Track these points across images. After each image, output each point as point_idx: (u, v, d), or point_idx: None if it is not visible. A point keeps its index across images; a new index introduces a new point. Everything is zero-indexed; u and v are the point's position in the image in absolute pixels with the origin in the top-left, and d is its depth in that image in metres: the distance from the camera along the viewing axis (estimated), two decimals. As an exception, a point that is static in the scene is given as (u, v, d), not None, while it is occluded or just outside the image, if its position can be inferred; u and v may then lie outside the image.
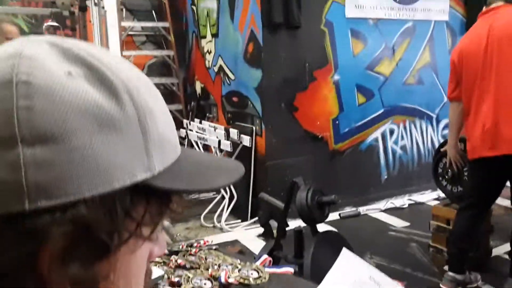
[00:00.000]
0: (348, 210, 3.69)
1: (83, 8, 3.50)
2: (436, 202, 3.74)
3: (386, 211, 3.76)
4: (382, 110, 3.90)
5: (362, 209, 3.74)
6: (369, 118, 3.85)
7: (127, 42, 4.71)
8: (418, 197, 3.97)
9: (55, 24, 4.15)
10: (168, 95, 5.07)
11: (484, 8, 2.22)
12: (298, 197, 1.81)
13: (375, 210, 3.77)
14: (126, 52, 4.55)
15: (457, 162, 2.42)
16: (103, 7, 3.26)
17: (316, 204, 1.82)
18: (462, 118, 2.27)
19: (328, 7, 3.51)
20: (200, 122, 4.22)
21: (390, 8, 3.76)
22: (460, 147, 2.40)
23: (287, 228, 2.18)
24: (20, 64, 0.30)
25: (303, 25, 3.35)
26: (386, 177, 4.01)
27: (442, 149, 2.61)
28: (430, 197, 3.94)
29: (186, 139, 4.47)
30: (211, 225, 3.51)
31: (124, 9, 4.59)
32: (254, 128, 3.55)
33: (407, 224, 3.43)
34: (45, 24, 4.78)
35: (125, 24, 4.54)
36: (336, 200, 1.83)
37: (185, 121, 4.49)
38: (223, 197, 3.73)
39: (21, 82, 0.30)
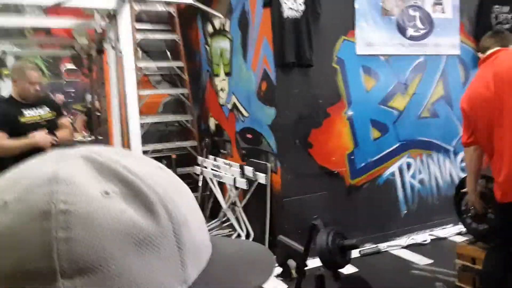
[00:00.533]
0: (368, 247, 3.59)
1: (101, 51, 3.63)
2: (459, 237, 3.64)
3: (408, 247, 3.65)
4: (397, 144, 3.87)
5: (383, 246, 3.64)
6: (385, 153, 3.82)
7: (143, 81, 4.83)
8: (440, 232, 3.86)
9: (73, 67, 4.31)
10: (183, 132, 5.13)
11: (480, 55, 2.22)
12: (319, 241, 1.77)
13: (396, 247, 3.67)
14: (142, 92, 4.66)
15: (479, 207, 2.36)
16: (120, 51, 3.36)
17: (338, 248, 1.77)
18: (480, 162, 2.23)
19: (339, 45, 3.57)
20: (215, 159, 4.23)
21: (400, 44, 3.80)
22: (482, 184, 2.34)
23: (306, 268, 2.13)
24: (58, 192, 0.30)
25: (315, 63, 3.40)
26: (405, 212, 3.92)
27: (462, 190, 2.55)
28: (452, 231, 3.83)
29: (201, 176, 4.48)
30: (228, 265, 3.44)
31: (140, 50, 4.74)
32: (269, 165, 3.54)
33: (430, 261, 3.31)
34: (64, 69, 4.97)
35: (141, 64, 4.67)
36: (359, 244, 1.78)
37: (199, 158, 4.51)
38: (239, 235, 3.68)
39: (60, 212, 0.29)
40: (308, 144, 3.50)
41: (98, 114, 5.04)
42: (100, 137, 4.95)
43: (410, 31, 3.85)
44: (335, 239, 1.76)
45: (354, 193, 3.70)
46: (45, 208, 0.29)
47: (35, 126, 2.75)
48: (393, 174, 3.87)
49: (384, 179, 3.84)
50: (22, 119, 2.73)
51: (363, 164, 3.73)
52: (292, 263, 2.83)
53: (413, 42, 3.86)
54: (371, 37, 3.69)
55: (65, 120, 3.08)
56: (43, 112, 2.85)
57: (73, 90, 6.77)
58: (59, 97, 8.12)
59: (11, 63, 8.15)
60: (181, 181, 0.38)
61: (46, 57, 6.82)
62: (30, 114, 2.77)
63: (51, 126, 2.84)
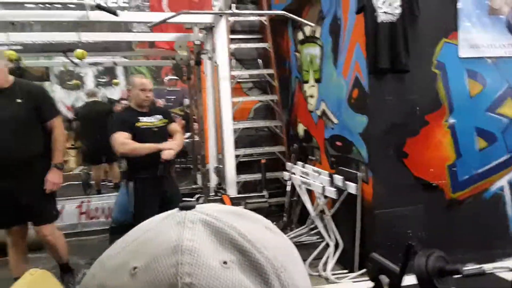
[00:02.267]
0: (471, 267, 3.29)
1: (198, 62, 3.85)
2: None
3: (517, 271, 3.27)
4: (507, 155, 3.48)
5: (487, 267, 3.29)
6: (492, 164, 3.46)
7: (236, 88, 5.02)
8: (557, 256, 3.38)
9: (174, 77, 4.69)
10: (272, 137, 5.23)
11: None
12: (417, 263, 1.66)
13: (504, 269, 3.28)
14: (235, 99, 4.85)
15: None
16: (215, 62, 3.54)
17: (438, 272, 1.65)
18: None
19: (440, 49, 3.32)
20: (303, 166, 4.23)
21: (510, 45, 3.42)
22: None
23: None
24: (183, 263, 0.32)
25: (412, 68, 3.21)
26: (515, 230, 3.51)
27: None
28: None
29: (289, 182, 4.51)
30: (316, 273, 3.41)
31: (233, 59, 4.94)
32: (359, 174, 3.44)
33: (545, 289, 2.92)
34: (166, 78, 5.44)
35: (234, 73, 4.87)
36: (462, 270, 1.64)
37: (288, 164, 4.55)
38: (327, 244, 3.63)
39: (185, 285, 0.31)
40: (403, 153, 3.32)
41: (195, 117, 5.36)
42: (197, 139, 5.25)
43: (524, 30, 3.44)
44: (436, 263, 1.63)
45: (456, 208, 3.42)
46: (171, 281, 0.31)
47: (148, 130, 3.13)
48: (501, 188, 3.49)
49: (491, 194, 3.48)
50: (137, 124, 3.10)
51: (466, 177, 3.42)
52: (384, 279, 2.71)
53: (526, 43, 3.45)
54: (476, 38, 3.37)
55: (174, 126, 3.41)
56: (156, 120, 3.19)
57: (173, 97, 7.34)
58: (159, 102, 8.83)
59: (120, 72, 9.08)
60: (290, 242, 0.40)
61: (151, 66, 7.46)
62: (144, 121, 3.14)
63: (161, 132, 3.21)
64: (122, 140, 3.01)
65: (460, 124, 3.38)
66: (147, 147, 3.03)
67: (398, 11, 3.16)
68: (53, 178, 2.82)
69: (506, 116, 3.48)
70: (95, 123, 5.49)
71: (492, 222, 3.47)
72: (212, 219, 0.36)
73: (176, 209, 0.38)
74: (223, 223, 0.36)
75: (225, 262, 0.33)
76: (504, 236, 3.49)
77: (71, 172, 6.47)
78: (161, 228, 0.36)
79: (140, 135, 3.07)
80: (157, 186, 3.13)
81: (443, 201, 3.38)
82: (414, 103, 3.30)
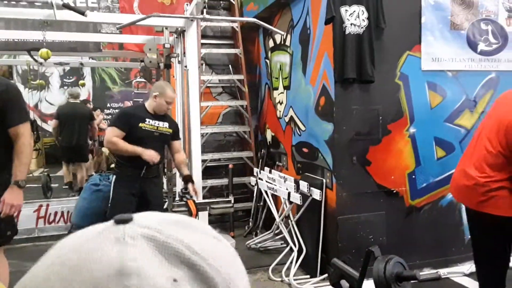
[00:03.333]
0: (427, 272, 3.42)
1: (168, 66, 3.83)
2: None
3: (471, 275, 3.42)
4: (463, 165, 3.65)
5: (443, 272, 3.45)
6: (449, 173, 3.61)
7: (205, 93, 5.02)
8: (509, 262, 3.56)
9: (142, 80, 4.64)
10: (240, 143, 5.25)
11: None
12: (375, 269, 1.72)
13: (458, 274, 3.45)
14: (204, 103, 4.85)
15: None
16: (185, 66, 3.53)
17: (395, 278, 1.71)
18: None
19: (403, 61, 3.46)
20: (270, 172, 4.27)
21: (470, 59, 3.61)
22: None
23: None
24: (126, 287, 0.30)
25: (377, 79, 3.32)
26: (469, 237, 3.67)
27: None
28: (522, 262, 3.52)
29: (256, 187, 4.55)
30: (279, 278, 3.45)
31: (204, 64, 4.94)
32: (324, 180, 3.51)
33: (496, 293, 3.07)
34: (134, 81, 5.39)
35: (204, 77, 4.87)
36: (419, 276, 1.71)
37: (255, 169, 4.58)
38: (291, 249, 3.68)
39: None
40: (366, 161, 3.42)
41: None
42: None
43: (481, 46, 3.64)
44: (394, 268, 1.69)
45: (414, 214, 3.55)
46: None
47: (149, 133, 3.13)
48: (457, 196, 3.65)
49: (448, 201, 3.64)
50: (141, 124, 3.11)
51: (424, 184, 3.57)
52: (345, 284, 2.77)
53: (484, 57, 3.65)
54: (438, 52, 3.54)
55: (179, 144, 3.41)
56: (161, 125, 3.20)
57: (141, 100, 7.26)
58: (127, 104, 8.67)
59: (87, 73, 8.86)
60: (233, 250, 0.39)
61: (120, 68, 7.34)
62: (150, 123, 3.15)
63: (162, 138, 3.22)
64: (110, 138, 3.03)
65: (420, 134, 3.52)
66: (130, 149, 3.02)
67: (365, 23, 3.28)
68: (11, 199, 2.27)
69: (464, 127, 3.66)
70: (73, 124, 5.57)
71: (448, 229, 3.62)
72: (154, 233, 0.33)
73: (112, 222, 0.34)
74: (167, 236, 0.33)
75: (175, 280, 0.31)
76: (459, 242, 3.65)
77: (30, 175, 6.24)
78: (98, 247, 0.32)
79: (140, 135, 3.09)
80: (137, 186, 3.12)
81: (402, 207, 3.50)
82: (378, 113, 3.42)
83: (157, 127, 3.18)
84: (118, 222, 0.34)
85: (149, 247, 0.32)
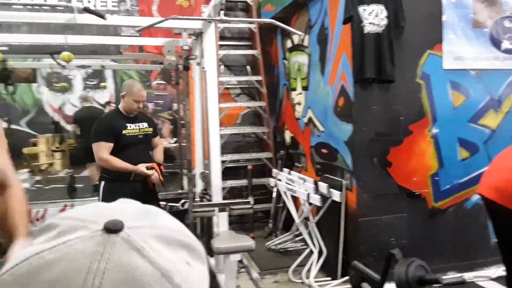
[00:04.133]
0: (452, 276, 3.34)
1: (187, 68, 3.84)
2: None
3: (497, 279, 3.32)
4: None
5: (468, 276, 3.36)
6: (474, 174, 3.53)
7: (224, 94, 5.04)
8: (537, 266, 3.44)
9: (161, 82, 4.70)
10: (259, 144, 5.25)
11: None
12: (397, 272, 1.69)
13: (484, 278, 3.36)
14: (223, 104, 4.86)
15: None
16: (203, 68, 3.55)
17: (417, 281, 1.68)
18: None
19: (425, 60, 3.39)
20: (289, 173, 4.25)
21: (494, 58, 3.50)
22: None
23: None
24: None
25: (397, 78, 3.26)
26: (495, 240, 3.56)
27: None
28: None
29: (275, 188, 4.53)
30: (300, 280, 3.43)
31: (222, 65, 4.96)
32: (344, 182, 3.47)
33: (523, 298, 2.97)
34: (154, 83, 5.48)
35: (223, 79, 4.88)
36: (442, 280, 1.67)
37: (274, 170, 4.57)
38: (311, 251, 3.65)
39: None
40: (387, 162, 3.36)
41: (182, 122, 5.35)
42: (184, 143, 5.25)
43: (506, 44, 3.54)
44: (416, 272, 1.66)
45: (438, 217, 3.47)
46: None
47: (133, 137, 3.14)
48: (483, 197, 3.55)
49: (473, 203, 3.54)
50: (124, 131, 3.10)
51: (448, 186, 3.48)
52: (366, 286, 2.73)
53: (509, 56, 3.54)
54: (460, 50, 3.45)
55: (157, 140, 3.46)
56: (142, 127, 3.21)
57: (162, 101, 7.35)
58: (148, 106, 8.79)
59: (109, 75, 9.03)
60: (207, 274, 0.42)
61: (141, 70, 7.43)
62: (131, 127, 3.15)
63: (145, 139, 3.26)
64: (102, 156, 3.00)
65: (443, 134, 3.44)
66: (122, 167, 3.03)
67: (384, 22, 3.22)
68: None
69: (488, 127, 3.56)
70: (90, 126, 5.71)
71: (473, 232, 3.52)
72: (130, 234, 0.35)
73: (100, 229, 0.35)
74: (144, 241, 0.36)
75: (188, 263, 0.36)
76: (484, 245, 3.54)
77: (56, 175, 6.40)
78: (73, 257, 0.33)
79: (126, 142, 3.09)
80: (129, 191, 3.04)
81: (425, 210, 3.43)
82: (398, 113, 3.36)
83: (139, 129, 3.19)
84: (108, 230, 0.35)
85: (160, 243, 0.38)
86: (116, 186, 3.08)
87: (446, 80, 3.45)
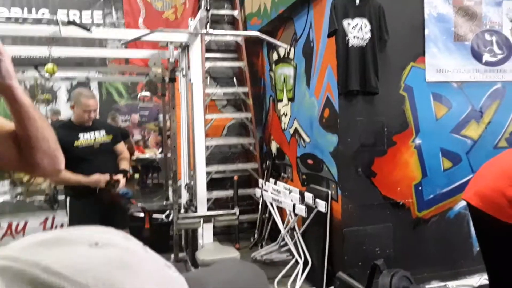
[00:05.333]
0: (435, 285, 3.37)
1: (173, 80, 3.85)
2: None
3: (480, 288, 3.37)
4: (471, 175, 3.60)
5: (451, 285, 3.40)
6: (457, 184, 3.59)
7: (210, 106, 5.05)
8: (519, 275, 3.50)
9: (147, 94, 4.70)
10: (245, 155, 5.25)
11: None
12: (381, 283, 1.71)
13: (467, 287, 3.40)
14: (209, 116, 4.87)
15: None
16: (190, 80, 3.56)
17: (400, 292, 1.70)
18: None
19: (408, 72, 3.46)
20: (275, 183, 4.26)
21: (475, 70, 3.60)
22: None
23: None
24: None
25: (381, 91, 3.32)
26: (478, 249, 3.61)
27: None
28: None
29: (261, 199, 4.53)
30: (285, 292, 3.42)
31: (208, 77, 4.98)
32: (329, 192, 3.49)
33: (506, 307, 3.01)
34: (140, 95, 5.48)
35: (209, 90, 4.90)
36: (423, 290, 1.69)
37: (260, 180, 4.57)
38: (297, 262, 3.64)
39: None
40: (372, 173, 3.40)
41: (168, 133, 5.34)
42: (169, 154, 5.22)
43: (486, 56, 3.64)
44: (400, 283, 1.68)
45: (421, 226, 3.51)
46: None
47: (88, 149, 2.91)
48: (466, 207, 3.60)
49: (456, 213, 3.60)
50: (76, 143, 2.88)
51: (431, 196, 3.53)
52: (351, 297, 2.74)
53: (489, 68, 3.64)
54: (442, 63, 3.54)
55: (121, 147, 3.23)
56: (98, 136, 2.98)
57: (147, 113, 7.33)
58: (134, 117, 8.73)
59: (94, 87, 8.96)
60: (128, 250, 0.35)
61: (126, 82, 7.40)
62: (85, 138, 2.92)
63: (105, 149, 3.01)
64: None
65: (426, 145, 3.50)
66: (76, 180, 2.81)
67: (368, 36, 3.29)
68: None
69: (470, 138, 3.63)
70: None
71: (456, 241, 3.57)
72: (9, 263, 0.31)
73: None
74: (23, 263, 0.31)
75: None
76: (467, 254, 3.59)
77: (37, 188, 6.28)
78: None
79: (79, 155, 2.85)
80: (97, 204, 2.89)
81: (409, 219, 3.47)
82: (383, 124, 3.41)
83: (95, 139, 2.96)
84: None
85: (2, 280, 0.30)
86: (81, 202, 2.89)
87: (429, 92, 3.52)
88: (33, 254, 0.32)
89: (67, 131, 2.89)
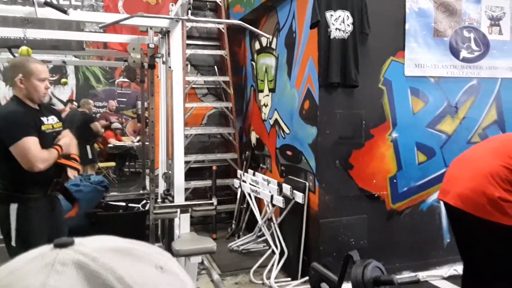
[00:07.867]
0: (406, 275, 3.45)
1: (152, 66, 3.78)
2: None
3: (449, 278, 3.48)
4: (444, 169, 3.70)
5: (422, 275, 3.49)
6: (430, 177, 3.68)
7: (190, 94, 4.99)
8: (486, 266, 3.63)
9: (125, 80, 4.62)
10: (224, 144, 5.23)
11: None
12: (353, 273, 1.74)
13: (437, 277, 3.50)
14: (189, 104, 4.81)
15: None
16: (170, 67, 3.50)
17: (373, 282, 1.73)
18: None
19: (387, 66, 3.50)
20: (254, 174, 4.27)
21: (452, 66, 3.67)
22: None
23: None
24: None
25: (361, 84, 3.35)
26: (449, 240, 3.74)
27: None
28: (500, 266, 3.59)
29: (239, 190, 4.53)
30: (260, 281, 3.44)
31: (189, 65, 4.91)
32: (307, 184, 3.52)
33: (473, 297, 3.13)
34: (118, 80, 5.37)
35: (189, 78, 4.83)
36: (396, 280, 1.73)
37: (239, 171, 4.57)
38: (273, 252, 3.67)
39: None
40: (349, 165, 3.44)
41: (147, 121, 5.26)
42: (147, 143, 5.16)
43: (464, 53, 3.71)
44: (372, 273, 1.71)
45: (395, 218, 3.59)
46: None
47: (50, 135, 2.42)
48: (438, 200, 3.69)
49: (428, 205, 3.69)
50: (43, 127, 2.36)
51: (405, 189, 3.61)
52: (325, 286, 2.79)
53: (466, 64, 3.72)
54: (421, 58, 3.59)
55: (66, 133, 2.55)
56: (54, 122, 2.48)
57: (125, 99, 7.19)
58: (111, 103, 8.56)
59: (71, 71, 8.72)
60: (184, 281, 0.37)
61: (104, 67, 7.25)
62: (47, 122, 2.41)
63: (57, 136, 2.49)
64: (40, 155, 2.24)
65: (402, 139, 3.57)
66: (55, 156, 2.33)
67: (350, 28, 3.30)
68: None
69: (445, 132, 3.72)
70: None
71: (427, 232, 3.67)
72: (88, 261, 0.33)
73: (50, 246, 0.34)
74: (100, 265, 0.33)
75: None
76: (439, 245, 3.70)
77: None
78: (26, 272, 0.32)
79: (45, 141, 2.33)
80: (49, 208, 2.44)
81: (384, 211, 3.54)
82: (361, 117, 3.45)
83: (52, 125, 2.45)
84: (56, 246, 0.34)
85: (77, 275, 0.32)
86: (33, 206, 2.33)
87: (407, 86, 3.58)
88: (109, 259, 0.34)
89: (29, 111, 2.34)
